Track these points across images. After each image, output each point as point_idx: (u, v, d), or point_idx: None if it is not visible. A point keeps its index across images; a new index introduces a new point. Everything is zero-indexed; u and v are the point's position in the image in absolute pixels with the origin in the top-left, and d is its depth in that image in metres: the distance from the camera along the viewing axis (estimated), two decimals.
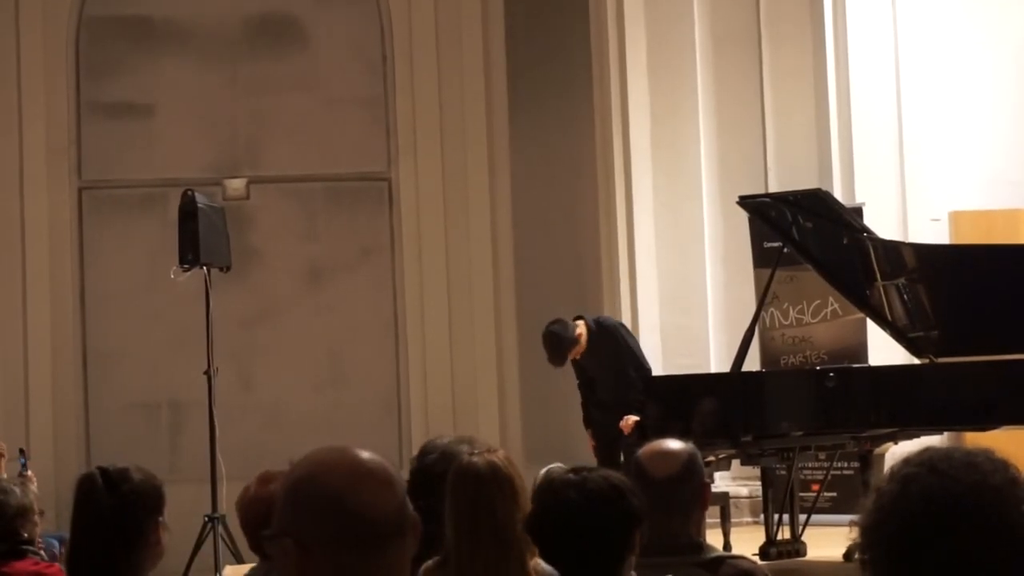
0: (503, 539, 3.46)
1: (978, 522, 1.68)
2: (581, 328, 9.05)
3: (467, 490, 3.52)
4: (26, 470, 7.98)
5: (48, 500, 7.68)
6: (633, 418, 8.35)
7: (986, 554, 1.68)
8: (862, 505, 1.76)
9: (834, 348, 10.05)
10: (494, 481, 3.51)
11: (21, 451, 8.51)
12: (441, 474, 3.72)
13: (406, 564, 1.96)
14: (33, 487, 5.54)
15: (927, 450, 1.76)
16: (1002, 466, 1.74)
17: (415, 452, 4.26)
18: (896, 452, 8.36)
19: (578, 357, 9.09)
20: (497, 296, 11.59)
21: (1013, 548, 1.69)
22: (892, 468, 1.76)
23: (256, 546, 3.99)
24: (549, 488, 3.37)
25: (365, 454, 1.97)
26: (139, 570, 3.36)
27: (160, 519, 3.38)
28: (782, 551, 7.93)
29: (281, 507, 1.95)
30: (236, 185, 11.71)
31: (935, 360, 7.96)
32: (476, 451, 3.61)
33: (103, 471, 3.40)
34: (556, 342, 9.00)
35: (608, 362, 9.04)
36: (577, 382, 9.32)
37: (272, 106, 11.76)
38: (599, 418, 9.07)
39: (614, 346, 9.05)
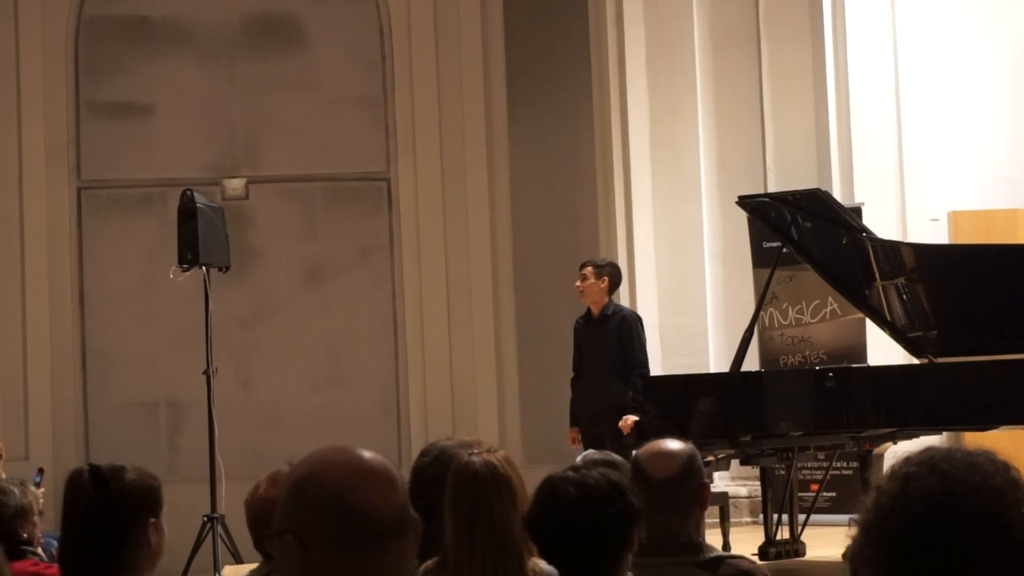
0: (501, 539, 3.47)
1: (979, 523, 1.68)
2: (607, 290, 9.10)
3: (464, 490, 3.52)
4: (38, 487, 7.93)
5: (48, 500, 7.67)
6: (632, 418, 8.35)
7: (986, 555, 1.67)
8: (862, 502, 1.76)
9: (833, 348, 10.05)
10: (491, 481, 3.51)
11: (40, 471, 8.42)
12: (434, 477, 3.72)
13: (408, 564, 1.96)
14: (40, 502, 5.47)
15: (928, 450, 1.76)
16: (1003, 467, 1.74)
17: (414, 452, 4.25)
18: (895, 452, 8.36)
19: (593, 310, 9.11)
20: (496, 296, 11.59)
21: (1013, 550, 1.68)
22: (893, 467, 1.76)
23: (261, 545, 3.99)
24: (548, 485, 3.37)
25: (367, 453, 1.97)
26: (133, 570, 3.33)
27: (152, 520, 3.35)
28: (781, 551, 7.94)
29: (283, 505, 1.96)
30: (235, 185, 11.71)
31: (934, 360, 7.96)
32: (475, 451, 3.61)
33: (93, 468, 3.36)
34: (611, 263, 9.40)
35: (607, 352, 9.04)
36: (572, 375, 9.32)
37: (271, 106, 11.76)
38: (586, 425, 9.06)
39: (627, 336, 9.04)
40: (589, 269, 9.17)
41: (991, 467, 1.72)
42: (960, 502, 1.69)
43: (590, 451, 4.86)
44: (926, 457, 1.74)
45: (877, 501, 1.73)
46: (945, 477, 1.70)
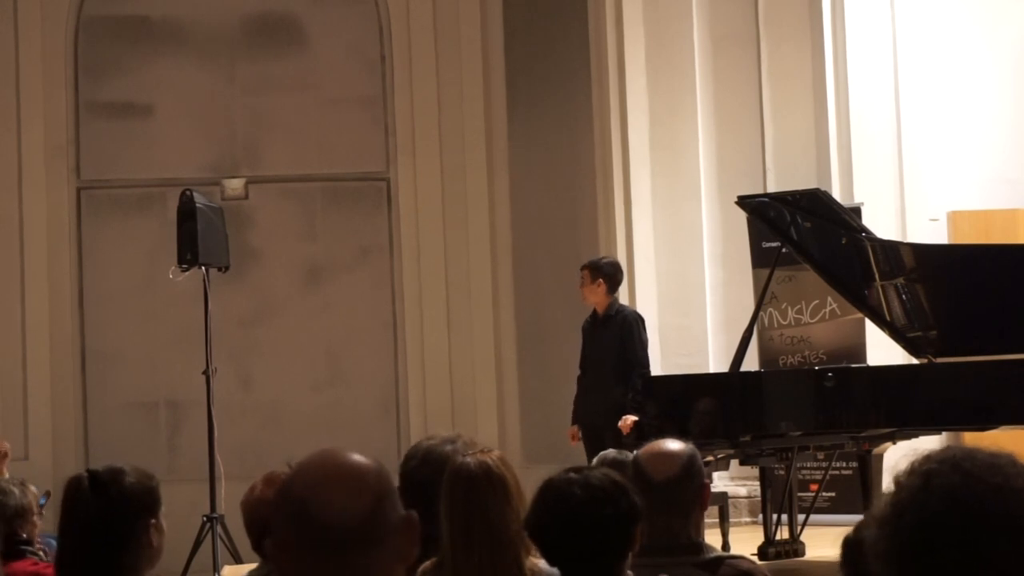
0: (497, 540, 3.46)
1: (1000, 524, 1.67)
2: (606, 290, 9.11)
3: (460, 491, 3.52)
4: (41, 507, 7.90)
5: (48, 500, 7.67)
6: (632, 418, 8.35)
7: (1004, 557, 1.67)
8: (879, 496, 1.75)
9: (833, 348, 10.05)
10: (486, 482, 3.51)
11: (47, 493, 8.38)
12: (425, 479, 3.71)
13: (379, 572, 1.95)
14: (38, 521, 5.45)
15: (950, 448, 1.76)
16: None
17: None
18: (895, 452, 8.36)
19: (597, 310, 9.14)
20: (496, 296, 11.59)
21: None
22: (912, 463, 1.75)
23: (258, 547, 4.00)
24: (551, 487, 3.37)
25: (351, 459, 1.96)
26: (133, 572, 3.33)
27: (153, 520, 3.35)
28: (780, 551, 7.93)
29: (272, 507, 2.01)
30: (235, 185, 11.71)
31: (934, 360, 7.95)
32: (470, 452, 3.61)
33: (92, 474, 3.36)
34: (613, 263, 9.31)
35: (609, 352, 9.05)
36: (578, 373, 9.33)
37: (271, 106, 11.76)
38: (587, 424, 9.07)
39: (627, 336, 9.05)
40: (585, 273, 9.19)
41: (1012, 469, 1.72)
42: (981, 502, 1.68)
43: (610, 451, 4.85)
44: (948, 455, 1.73)
45: (896, 495, 1.72)
46: (968, 476, 1.70)
